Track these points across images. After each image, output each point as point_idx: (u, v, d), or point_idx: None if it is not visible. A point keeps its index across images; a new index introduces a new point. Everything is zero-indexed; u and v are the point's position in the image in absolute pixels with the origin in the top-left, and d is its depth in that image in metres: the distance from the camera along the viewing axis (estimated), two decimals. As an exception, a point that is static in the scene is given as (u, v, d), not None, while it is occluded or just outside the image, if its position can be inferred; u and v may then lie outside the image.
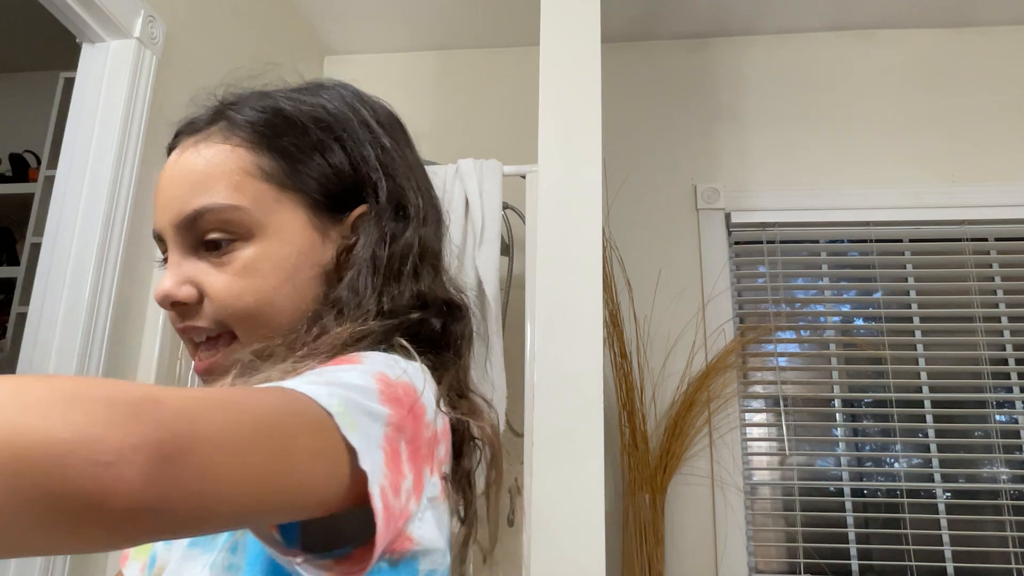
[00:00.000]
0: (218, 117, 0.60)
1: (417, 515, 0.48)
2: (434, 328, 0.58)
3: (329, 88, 0.63)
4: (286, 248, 0.57)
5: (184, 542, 0.53)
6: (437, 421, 0.52)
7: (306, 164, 0.58)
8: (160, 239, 0.60)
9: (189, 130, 0.60)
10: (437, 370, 0.56)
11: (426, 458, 0.49)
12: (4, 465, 0.27)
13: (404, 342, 0.55)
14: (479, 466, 0.59)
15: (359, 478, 0.41)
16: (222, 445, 0.33)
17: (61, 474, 0.27)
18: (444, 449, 0.53)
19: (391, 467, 0.43)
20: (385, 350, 0.54)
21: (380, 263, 0.58)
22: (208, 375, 0.58)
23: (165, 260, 0.60)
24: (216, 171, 0.57)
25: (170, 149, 0.62)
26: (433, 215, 0.64)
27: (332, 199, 0.59)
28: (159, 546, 0.57)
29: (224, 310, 0.56)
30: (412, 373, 0.51)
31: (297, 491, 0.37)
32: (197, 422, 0.32)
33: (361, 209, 0.60)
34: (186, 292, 0.57)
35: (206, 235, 0.56)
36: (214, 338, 0.58)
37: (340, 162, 0.60)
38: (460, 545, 0.58)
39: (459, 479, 0.57)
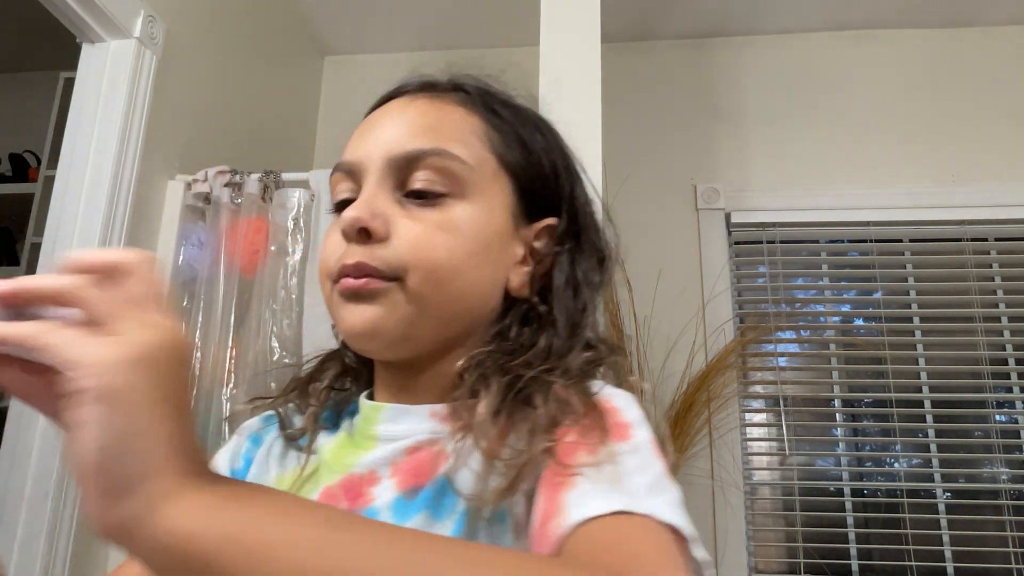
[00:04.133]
0: (454, 87, 0.60)
1: None
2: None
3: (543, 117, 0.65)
4: (491, 221, 0.55)
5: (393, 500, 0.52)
6: None
7: (525, 155, 0.58)
8: (351, 172, 0.56)
9: (422, 86, 0.59)
10: None
11: None
12: None
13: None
14: None
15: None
16: None
17: None
18: None
19: None
20: (618, 385, 0.54)
21: (582, 286, 0.58)
22: (354, 294, 0.52)
23: (338, 205, 0.56)
24: (449, 123, 0.56)
25: (390, 96, 0.59)
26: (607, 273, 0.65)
27: (530, 198, 0.58)
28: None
29: (412, 255, 0.51)
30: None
31: None
32: None
33: (551, 220, 0.59)
34: (379, 224, 0.52)
35: (416, 181, 0.53)
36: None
37: (549, 172, 0.59)
38: None
39: None
